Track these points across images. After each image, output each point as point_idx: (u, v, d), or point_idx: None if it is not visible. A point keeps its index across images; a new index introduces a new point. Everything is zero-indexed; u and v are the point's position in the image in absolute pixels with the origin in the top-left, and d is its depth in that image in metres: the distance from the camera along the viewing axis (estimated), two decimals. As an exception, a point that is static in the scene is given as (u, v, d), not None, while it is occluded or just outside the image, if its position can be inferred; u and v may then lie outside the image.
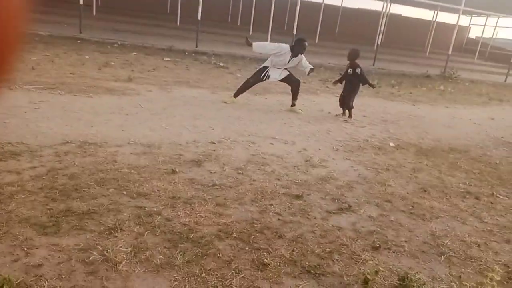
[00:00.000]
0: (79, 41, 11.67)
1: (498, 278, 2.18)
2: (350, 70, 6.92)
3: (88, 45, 11.33)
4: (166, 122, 5.33)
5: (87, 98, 5.99)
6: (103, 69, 8.27)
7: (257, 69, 7.07)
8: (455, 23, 17.27)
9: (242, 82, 7.09)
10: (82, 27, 12.81)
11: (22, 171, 3.42)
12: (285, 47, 6.67)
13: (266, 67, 6.82)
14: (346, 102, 7.06)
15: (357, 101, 7.43)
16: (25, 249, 2.43)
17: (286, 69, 6.89)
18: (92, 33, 13.05)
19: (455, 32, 17.07)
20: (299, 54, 6.74)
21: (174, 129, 5.07)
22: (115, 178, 3.50)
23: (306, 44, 6.74)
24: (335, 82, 7.35)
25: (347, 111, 7.15)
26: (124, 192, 3.27)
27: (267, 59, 6.96)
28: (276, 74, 6.83)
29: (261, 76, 6.80)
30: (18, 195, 3.01)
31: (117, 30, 14.96)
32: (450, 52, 17.18)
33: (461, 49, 28.68)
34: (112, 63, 9.07)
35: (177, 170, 3.79)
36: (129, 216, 2.92)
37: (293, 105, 7.07)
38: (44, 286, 2.14)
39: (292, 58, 6.69)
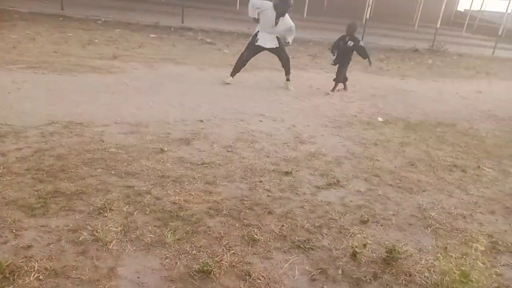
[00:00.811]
0: (61, 18, 11.32)
1: (482, 248, 2.24)
2: (350, 43, 6.94)
3: (70, 22, 11.01)
4: (153, 100, 5.26)
5: (72, 77, 5.86)
6: (87, 47, 8.08)
7: (249, 41, 6.88)
8: (443, -5, 17.12)
9: (236, 59, 6.88)
10: (64, 4, 12.42)
11: (7, 152, 3.37)
12: (268, 3, 6.37)
13: (256, 33, 6.61)
14: (343, 74, 7.17)
15: (350, 75, 7.42)
16: (14, 231, 2.41)
17: (277, 38, 6.69)
18: (74, 10, 12.66)
19: (443, 5, 16.96)
20: (286, 14, 6.45)
21: (161, 107, 5.01)
22: (102, 158, 3.46)
23: (291, 2, 6.42)
24: (333, 51, 7.26)
25: (340, 84, 7.23)
26: (113, 172, 3.24)
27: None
28: (265, 40, 6.54)
29: (254, 42, 6.58)
30: (4, 177, 2.97)
31: (100, 6, 14.53)
32: (438, 26, 17.11)
33: (449, 22, 28.57)
34: (96, 40, 8.85)
35: (166, 149, 3.77)
36: (118, 196, 2.91)
37: (287, 79, 7.00)
38: (34, 267, 2.13)
39: (278, 18, 6.38)
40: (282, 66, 7.00)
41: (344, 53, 7.09)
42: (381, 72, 9.98)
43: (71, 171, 3.18)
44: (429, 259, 2.61)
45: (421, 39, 18.55)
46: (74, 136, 3.86)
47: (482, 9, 27.76)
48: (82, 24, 10.86)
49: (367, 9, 16.47)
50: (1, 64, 5.93)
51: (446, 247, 2.76)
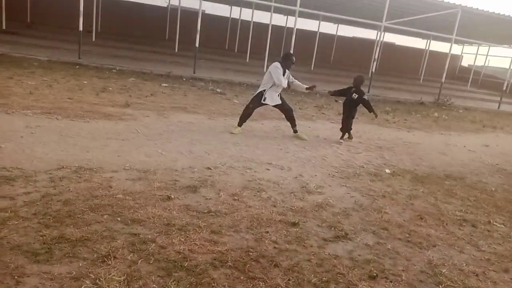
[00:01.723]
0: (77, 67, 11.79)
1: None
2: (355, 95, 7.16)
3: (86, 70, 11.45)
4: (162, 147, 5.33)
5: (84, 123, 6.00)
6: (101, 94, 8.33)
7: (254, 95, 7.15)
8: (447, 51, 17.63)
9: (242, 110, 7.10)
10: (81, 53, 12.98)
11: (16, 196, 3.39)
12: (278, 64, 6.78)
13: (262, 92, 6.87)
14: (347, 125, 7.33)
15: (355, 127, 7.52)
16: (16, 277, 2.38)
17: (280, 95, 6.95)
18: (90, 59, 13.21)
19: (448, 60, 17.41)
20: (288, 69, 6.90)
21: (170, 155, 5.06)
22: (109, 204, 3.47)
23: (294, 58, 6.89)
24: (333, 93, 7.57)
25: (346, 134, 7.39)
26: (119, 219, 3.23)
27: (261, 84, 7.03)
28: (272, 98, 6.88)
29: (261, 100, 6.86)
30: (11, 221, 2.97)
31: (115, 56, 15.16)
32: (443, 80, 17.48)
33: (454, 77, 29.19)
34: (110, 88, 9.14)
35: (172, 196, 3.77)
36: (123, 244, 2.88)
37: (295, 131, 7.17)
38: (33, 316, 2.08)
39: (284, 72, 6.82)
40: (288, 119, 7.16)
41: (350, 105, 7.26)
42: (387, 124, 10.09)
43: (77, 217, 3.18)
44: (442, 319, 2.50)
45: (427, 92, 18.90)
46: (83, 181, 3.89)
47: (486, 64, 28.39)
48: (97, 72, 11.27)
49: (373, 62, 16.94)
50: (17, 109, 6.11)
51: (459, 307, 2.65)
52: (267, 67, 17.46)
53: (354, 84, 7.23)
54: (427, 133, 9.74)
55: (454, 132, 10.42)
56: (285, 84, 6.85)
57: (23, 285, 2.32)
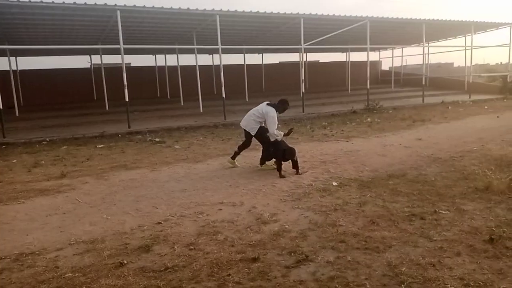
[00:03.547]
0: (4, 146, 11.14)
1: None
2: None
3: (14, 148, 10.85)
4: (107, 212, 5.12)
5: (19, 205, 5.63)
6: (33, 170, 7.90)
7: (262, 134, 7.21)
8: (366, 59, 18.86)
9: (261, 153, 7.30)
10: (5, 131, 12.32)
11: (-50, 304, 3.08)
12: (274, 112, 7.01)
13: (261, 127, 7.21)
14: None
15: (297, 147, 7.67)
16: None
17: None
18: (17, 135, 12.57)
19: (368, 67, 18.61)
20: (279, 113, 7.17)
21: (116, 218, 4.87)
22: (58, 286, 3.24)
23: (288, 106, 7.30)
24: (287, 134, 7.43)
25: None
26: (71, 300, 3.03)
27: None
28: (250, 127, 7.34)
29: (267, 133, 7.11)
30: None
31: (43, 126, 14.55)
32: (368, 86, 18.59)
33: (378, 81, 31.15)
34: (42, 161, 8.71)
35: (125, 261, 3.60)
36: (79, 326, 2.69)
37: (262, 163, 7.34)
38: None
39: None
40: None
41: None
42: (326, 138, 10.47)
43: (24, 309, 2.94)
44: (410, 318, 2.57)
45: (357, 101, 19.98)
46: (26, 268, 3.62)
47: (404, 64, 30.66)
48: (26, 148, 10.72)
49: (302, 83, 17.67)
50: None
51: (423, 301, 2.74)
52: (203, 107, 17.59)
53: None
54: (364, 139, 10.22)
55: (388, 133, 11.03)
56: (274, 137, 6.94)
57: None
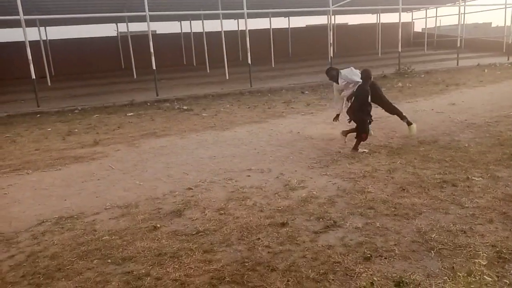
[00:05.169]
0: (38, 115, 11.55)
1: (485, 263, 2.23)
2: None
3: (48, 117, 11.23)
4: (140, 178, 5.29)
5: (56, 171, 5.89)
6: (67, 138, 8.18)
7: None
8: (398, 21, 18.08)
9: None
10: (39, 100, 12.72)
11: (0, 262, 3.31)
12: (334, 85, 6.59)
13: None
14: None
15: (323, 115, 7.60)
16: None
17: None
18: (50, 104, 12.97)
19: (400, 29, 17.85)
20: (338, 78, 6.46)
21: (148, 184, 5.03)
22: (97, 248, 3.42)
23: (333, 71, 6.60)
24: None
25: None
26: (109, 261, 3.19)
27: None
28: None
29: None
30: (-1, 290, 2.90)
31: (74, 96, 14.93)
32: (400, 49, 17.91)
33: (410, 44, 29.89)
34: (76, 130, 8.99)
35: (158, 225, 3.75)
36: (118, 285, 2.85)
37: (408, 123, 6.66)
38: None
39: (337, 83, 6.49)
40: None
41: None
42: (355, 104, 10.24)
43: (67, 269, 3.12)
44: (439, 283, 2.57)
45: (387, 65, 19.30)
46: (66, 231, 3.82)
47: (438, 25, 29.20)
48: (59, 117, 11.07)
49: (330, 47, 17.21)
50: (-16, 173, 5.95)
51: (453, 267, 2.74)
52: (229, 74, 17.53)
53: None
54: (394, 104, 9.93)
55: (420, 98, 10.69)
56: (339, 110, 6.65)
57: None
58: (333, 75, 6.56)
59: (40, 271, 3.11)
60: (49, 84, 17.99)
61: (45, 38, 21.13)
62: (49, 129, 9.25)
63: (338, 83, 6.48)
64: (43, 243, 3.60)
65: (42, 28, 20.42)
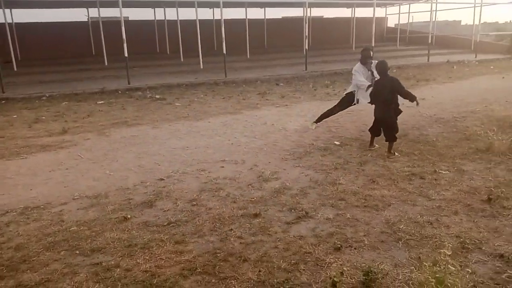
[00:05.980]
0: (3, 102, 11.08)
1: (449, 253, 2.31)
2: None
3: (14, 103, 10.79)
4: (110, 168, 5.17)
5: (22, 160, 5.68)
6: (34, 125, 7.90)
7: (342, 97, 6.64)
8: (372, 16, 18.31)
9: (326, 109, 6.77)
10: (5, 86, 12.20)
11: (-40, 255, 3.17)
12: (357, 66, 6.29)
13: (352, 92, 6.35)
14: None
15: (297, 107, 7.62)
16: None
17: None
18: (16, 91, 12.45)
19: (373, 24, 18.10)
20: (368, 63, 6.25)
21: (119, 174, 4.92)
22: (64, 239, 3.33)
23: (367, 51, 6.37)
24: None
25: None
26: (77, 252, 3.12)
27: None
28: (365, 97, 6.19)
29: (352, 102, 6.34)
30: (-41, 283, 2.78)
31: (42, 82, 14.37)
32: (373, 44, 18.16)
33: (383, 39, 30.37)
34: (43, 117, 8.69)
35: (129, 216, 3.68)
36: (86, 276, 2.78)
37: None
38: None
39: (367, 70, 6.23)
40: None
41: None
42: (329, 97, 10.35)
43: (33, 260, 3.03)
44: (406, 272, 2.65)
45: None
46: (32, 222, 3.70)
47: (411, 21, 29.79)
48: (26, 104, 10.67)
49: (305, 40, 17.26)
50: None
51: (420, 257, 2.83)
52: (203, 63, 17.26)
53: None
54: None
55: (391, 92, 10.88)
56: (367, 83, 6.06)
57: None
58: (369, 55, 6.34)
59: (3, 263, 3.00)
60: (15, 69, 17.25)
61: (10, 21, 20.20)
62: (15, 116, 8.90)
63: (370, 66, 6.23)
64: (7, 234, 3.47)
65: (7, 10, 19.50)
